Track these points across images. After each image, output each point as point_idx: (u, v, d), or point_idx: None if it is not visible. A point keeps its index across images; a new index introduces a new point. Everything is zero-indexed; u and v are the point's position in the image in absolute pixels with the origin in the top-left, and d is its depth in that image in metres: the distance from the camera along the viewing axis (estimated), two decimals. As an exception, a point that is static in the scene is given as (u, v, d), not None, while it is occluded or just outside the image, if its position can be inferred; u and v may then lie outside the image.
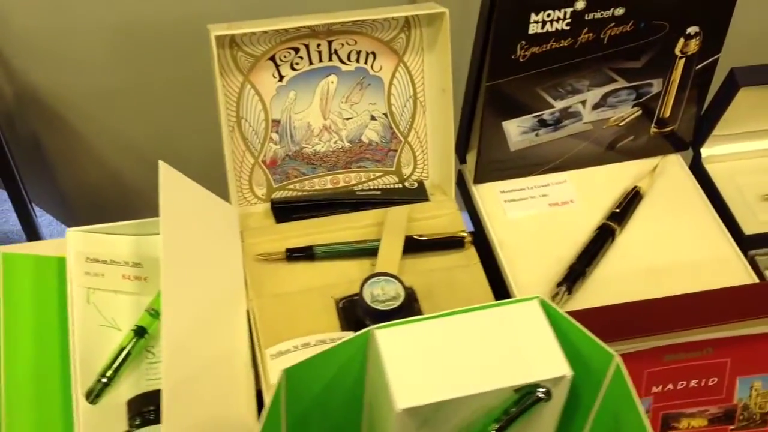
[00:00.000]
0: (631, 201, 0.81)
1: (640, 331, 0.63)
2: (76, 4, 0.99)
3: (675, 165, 0.86)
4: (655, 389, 0.69)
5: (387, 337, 0.52)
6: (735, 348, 0.69)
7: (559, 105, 0.78)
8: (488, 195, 0.83)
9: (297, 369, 0.51)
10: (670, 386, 0.69)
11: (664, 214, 0.81)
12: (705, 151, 0.87)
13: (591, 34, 0.73)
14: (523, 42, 0.72)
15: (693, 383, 0.70)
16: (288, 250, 0.74)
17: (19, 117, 1.09)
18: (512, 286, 0.75)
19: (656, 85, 0.79)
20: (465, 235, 0.75)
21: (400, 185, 0.83)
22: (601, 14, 0.72)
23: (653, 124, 0.83)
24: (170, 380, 0.56)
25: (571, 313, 0.69)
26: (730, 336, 0.68)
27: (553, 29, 0.72)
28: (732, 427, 0.72)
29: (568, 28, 0.72)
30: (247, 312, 0.71)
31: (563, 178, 0.84)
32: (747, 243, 0.80)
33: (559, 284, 0.73)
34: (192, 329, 0.62)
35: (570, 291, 0.72)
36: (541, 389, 0.52)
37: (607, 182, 0.84)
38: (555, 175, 0.84)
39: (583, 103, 0.79)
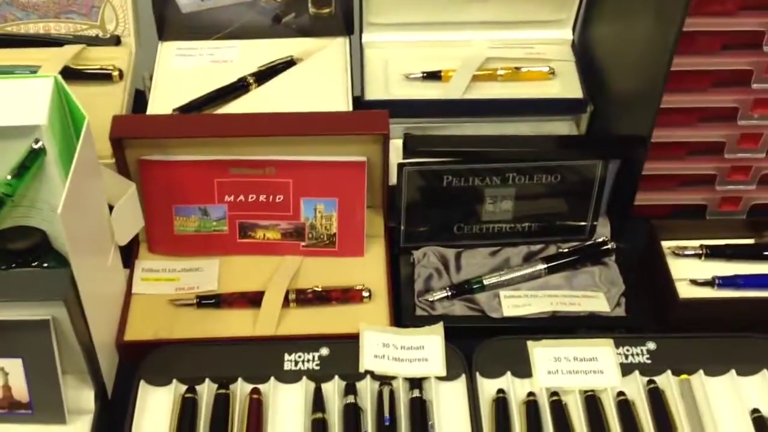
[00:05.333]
0: (279, 65, 0.97)
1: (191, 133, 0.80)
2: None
3: (339, 46, 1.02)
4: (228, 198, 0.85)
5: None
6: (295, 171, 0.84)
7: (213, -26, 0.95)
8: (168, 50, 0.99)
9: None
10: (242, 197, 0.85)
11: (306, 79, 0.97)
12: (366, 37, 1.02)
13: None
14: None
15: (262, 198, 0.85)
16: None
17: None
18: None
19: (303, -32, 0.95)
20: (111, 71, 0.93)
21: (96, 35, 1.00)
22: None
23: (310, 4, 0.98)
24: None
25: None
26: (290, 160, 0.84)
27: None
28: (303, 243, 0.88)
29: None
30: None
31: (234, 45, 1.00)
32: (365, 106, 0.96)
33: (174, 110, 0.90)
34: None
35: (180, 115, 0.89)
36: (37, 141, 0.69)
37: (274, 52, 0.99)
38: (229, 41, 1.00)
39: (235, -26, 0.95)
